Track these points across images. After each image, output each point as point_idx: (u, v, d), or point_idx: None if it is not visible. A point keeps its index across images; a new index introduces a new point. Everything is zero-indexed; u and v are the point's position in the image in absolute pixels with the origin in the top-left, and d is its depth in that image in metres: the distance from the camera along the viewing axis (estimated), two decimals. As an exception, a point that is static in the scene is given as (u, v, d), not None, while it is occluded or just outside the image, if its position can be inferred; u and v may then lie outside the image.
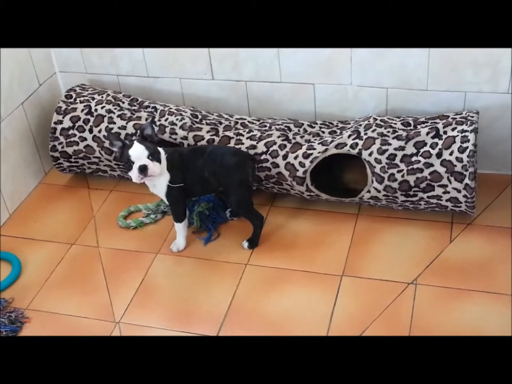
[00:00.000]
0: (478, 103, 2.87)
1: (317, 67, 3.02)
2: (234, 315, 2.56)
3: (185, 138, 2.98)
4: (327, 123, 3.01)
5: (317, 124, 3.00)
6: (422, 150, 2.69)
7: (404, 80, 2.94)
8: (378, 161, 2.72)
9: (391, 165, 2.71)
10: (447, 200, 2.72)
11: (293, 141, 2.89)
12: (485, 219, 2.82)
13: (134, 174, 2.62)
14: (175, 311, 2.61)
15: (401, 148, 2.71)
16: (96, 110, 3.11)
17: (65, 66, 3.42)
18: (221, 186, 2.78)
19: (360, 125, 2.83)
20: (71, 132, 3.12)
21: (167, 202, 2.81)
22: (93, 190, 3.27)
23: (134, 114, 3.09)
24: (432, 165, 2.67)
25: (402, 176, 2.70)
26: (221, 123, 3.03)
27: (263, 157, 2.87)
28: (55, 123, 3.14)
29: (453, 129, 2.69)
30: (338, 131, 2.92)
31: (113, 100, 3.14)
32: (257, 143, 2.90)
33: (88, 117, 3.10)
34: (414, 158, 2.69)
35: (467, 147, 2.63)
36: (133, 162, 2.60)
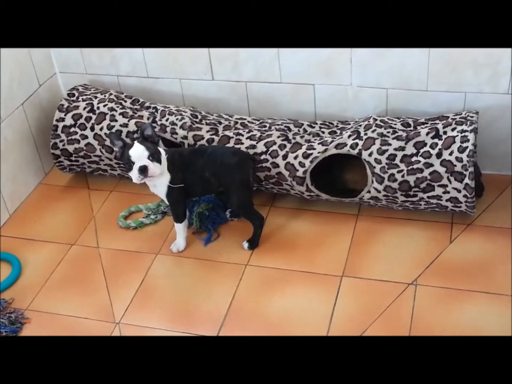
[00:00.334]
0: (478, 104, 2.87)
1: (317, 67, 3.02)
2: (234, 315, 2.56)
3: (185, 137, 2.98)
4: (327, 123, 3.01)
5: (316, 124, 3.00)
6: (422, 150, 2.69)
7: (404, 81, 2.94)
8: (378, 161, 2.72)
9: (391, 165, 2.71)
10: (447, 200, 2.72)
11: (293, 141, 2.89)
12: (485, 219, 2.82)
13: (134, 175, 2.62)
14: (175, 312, 2.61)
15: (401, 148, 2.72)
16: (98, 108, 3.11)
17: (65, 66, 3.42)
18: (221, 187, 2.78)
19: (360, 125, 2.83)
20: (72, 129, 3.12)
21: (167, 203, 2.81)
22: (93, 191, 3.27)
23: (136, 113, 3.09)
24: (432, 165, 2.67)
25: (402, 176, 2.70)
26: (220, 123, 3.03)
27: (263, 157, 2.87)
28: (56, 120, 3.14)
29: (452, 129, 2.69)
30: (338, 131, 2.92)
31: (115, 99, 3.14)
32: (257, 143, 2.90)
33: (90, 114, 3.11)
34: (414, 158, 2.69)
35: (467, 147, 2.63)
36: (133, 163, 2.60)
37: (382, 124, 2.80)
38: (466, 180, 2.63)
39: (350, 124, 2.95)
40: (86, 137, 3.10)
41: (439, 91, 2.91)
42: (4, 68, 3.06)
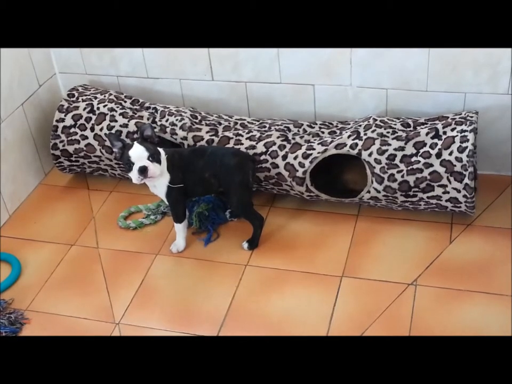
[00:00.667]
0: (478, 104, 2.87)
1: (317, 68, 3.02)
2: (234, 316, 2.56)
3: (185, 138, 2.98)
4: (326, 123, 3.01)
5: (316, 124, 3.01)
6: (421, 150, 2.69)
7: (404, 81, 2.94)
8: (378, 161, 2.73)
9: (391, 165, 2.71)
10: (446, 201, 2.72)
11: (293, 141, 2.89)
12: (484, 220, 2.82)
13: (134, 175, 2.62)
14: (175, 312, 2.61)
15: (401, 148, 2.72)
16: (98, 108, 3.11)
17: (65, 67, 3.42)
18: (221, 187, 2.78)
19: (360, 126, 2.83)
20: (72, 130, 3.12)
21: (167, 203, 2.81)
22: (92, 191, 3.27)
23: (135, 114, 3.09)
24: (431, 165, 2.67)
25: (402, 176, 2.70)
26: (220, 123, 3.03)
27: (263, 157, 2.87)
28: (56, 121, 3.14)
29: (452, 130, 2.69)
30: (338, 131, 2.92)
31: (115, 99, 3.14)
32: (256, 143, 2.90)
33: (90, 115, 3.11)
34: (413, 158, 2.69)
35: (466, 147, 2.63)
36: (133, 163, 2.60)
37: (381, 124, 2.80)
38: (466, 180, 2.63)
39: (349, 124, 2.95)
40: (86, 137, 3.10)
41: (439, 91, 2.91)
42: (4, 68, 3.06)
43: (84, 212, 3.15)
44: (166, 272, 2.79)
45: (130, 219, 3.06)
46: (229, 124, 3.04)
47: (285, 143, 2.88)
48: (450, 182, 2.66)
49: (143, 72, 3.30)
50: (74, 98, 3.18)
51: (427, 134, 2.71)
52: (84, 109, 3.12)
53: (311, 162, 2.81)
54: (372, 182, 2.76)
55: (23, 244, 3.00)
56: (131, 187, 3.09)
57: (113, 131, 3.04)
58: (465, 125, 2.68)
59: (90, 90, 3.23)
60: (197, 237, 2.93)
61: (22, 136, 3.22)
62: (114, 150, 2.68)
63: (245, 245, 2.83)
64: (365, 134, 2.77)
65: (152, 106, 3.14)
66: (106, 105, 3.11)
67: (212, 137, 2.96)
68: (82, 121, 3.11)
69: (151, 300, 2.67)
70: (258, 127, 2.99)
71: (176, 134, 3.00)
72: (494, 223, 2.80)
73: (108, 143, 3.04)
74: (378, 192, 2.76)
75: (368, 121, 2.83)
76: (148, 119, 3.05)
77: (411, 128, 2.78)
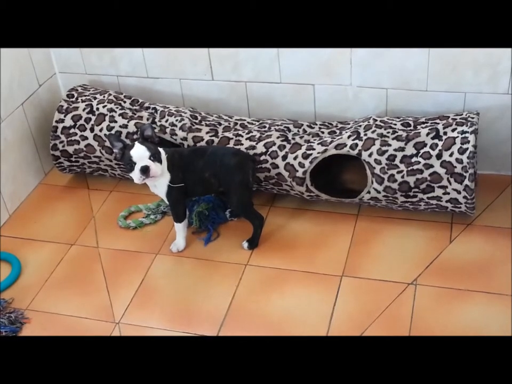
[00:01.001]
0: (478, 104, 2.87)
1: (317, 68, 3.02)
2: (234, 315, 2.56)
3: (185, 139, 2.98)
4: (326, 123, 3.01)
5: (316, 124, 3.00)
6: (422, 151, 2.69)
7: (404, 81, 2.94)
8: (378, 162, 2.72)
9: (391, 165, 2.71)
10: (447, 201, 2.72)
11: (292, 141, 2.89)
12: (484, 219, 2.82)
13: (135, 175, 2.62)
14: (175, 312, 2.61)
15: (401, 149, 2.71)
16: (97, 109, 3.11)
17: (65, 67, 3.42)
18: (222, 187, 2.78)
19: (360, 126, 2.83)
20: (72, 130, 3.12)
21: (167, 202, 2.81)
22: (92, 191, 3.27)
23: (135, 114, 3.09)
24: (432, 166, 2.67)
25: (402, 177, 2.70)
26: (220, 124, 3.03)
27: (263, 157, 2.87)
28: (56, 121, 3.14)
29: (453, 130, 2.69)
30: (338, 131, 2.92)
31: (115, 100, 3.14)
32: (256, 143, 2.90)
33: (90, 115, 3.11)
34: (414, 159, 2.69)
35: (467, 148, 2.63)
36: (135, 163, 2.60)
37: (382, 124, 2.80)
38: (466, 181, 2.63)
39: (349, 124, 2.95)
40: (86, 138, 3.10)
41: (439, 91, 2.91)
42: (4, 67, 3.06)
43: (84, 211, 3.15)
44: (166, 272, 2.79)
45: (130, 219, 3.06)
46: (229, 124, 3.04)
47: (284, 143, 2.88)
48: (450, 183, 2.66)
49: (143, 72, 3.30)
50: (73, 99, 3.17)
51: (427, 134, 2.71)
52: (84, 110, 3.12)
53: (311, 162, 2.80)
54: (372, 183, 2.76)
55: (23, 243, 3.00)
56: (131, 187, 3.09)
57: (112, 132, 3.04)
58: (466, 126, 2.68)
59: (89, 91, 3.23)
60: (197, 236, 2.93)
61: (22, 136, 3.22)
62: (114, 150, 2.68)
63: (245, 244, 2.83)
64: (365, 135, 2.77)
65: (152, 106, 3.14)
66: (105, 105, 3.11)
67: (212, 137, 2.96)
68: (82, 121, 3.11)
69: (151, 299, 2.67)
70: (258, 128, 2.99)
71: (176, 135, 3.00)
72: (494, 222, 2.80)
73: (107, 143, 3.04)
74: (379, 192, 2.76)
75: (368, 122, 2.83)
76: (148, 119, 3.05)
77: (411, 128, 2.78)
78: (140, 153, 2.60)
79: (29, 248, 2.97)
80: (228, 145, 2.92)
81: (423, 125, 2.78)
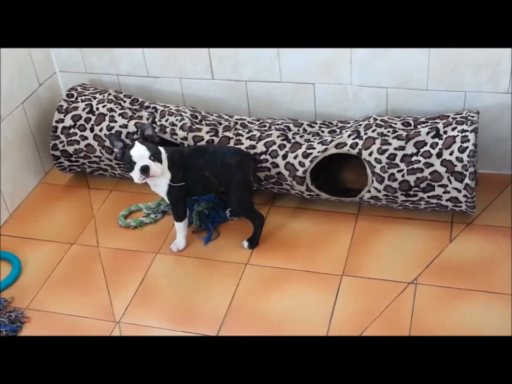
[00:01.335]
0: (478, 103, 2.87)
1: (317, 67, 3.02)
2: (234, 315, 2.56)
3: (185, 138, 2.98)
4: (326, 123, 3.01)
5: (316, 123, 3.00)
6: (422, 150, 2.69)
7: (404, 80, 2.93)
8: (378, 161, 2.72)
9: (391, 164, 2.71)
10: (447, 200, 2.72)
11: (293, 140, 2.89)
12: (485, 219, 2.82)
13: (135, 175, 2.62)
14: (175, 311, 2.61)
15: (401, 148, 2.72)
16: (97, 108, 3.11)
17: (65, 66, 3.42)
18: (222, 186, 2.78)
19: (360, 125, 2.83)
20: (72, 130, 3.12)
21: (167, 201, 2.81)
22: (93, 190, 3.27)
23: (135, 114, 3.09)
24: (432, 165, 2.67)
25: (403, 176, 2.70)
26: (220, 123, 3.03)
27: (263, 157, 2.87)
28: (56, 121, 3.14)
29: (453, 129, 2.69)
30: (338, 131, 2.92)
31: (114, 99, 3.14)
32: (256, 143, 2.90)
33: (90, 115, 3.11)
34: (414, 158, 2.69)
35: (467, 147, 2.63)
36: (135, 163, 2.61)
37: (382, 124, 2.80)
38: (467, 180, 2.63)
39: (350, 124, 2.95)
40: (86, 138, 3.10)
41: (439, 90, 2.91)
42: (4, 67, 3.06)
43: (84, 210, 3.15)
44: (166, 271, 2.79)
45: (130, 218, 3.06)
46: (229, 123, 3.04)
47: (285, 142, 2.88)
48: (450, 182, 2.66)
49: (143, 71, 3.30)
50: (73, 99, 3.17)
51: (428, 133, 2.71)
52: (83, 109, 3.12)
53: (311, 161, 2.80)
54: (372, 182, 2.76)
55: (23, 242, 3.00)
56: (131, 186, 3.09)
57: (112, 132, 3.04)
58: (466, 124, 2.68)
59: (89, 90, 3.23)
60: (197, 235, 2.93)
61: (22, 135, 3.22)
62: (115, 150, 2.69)
63: (245, 243, 2.83)
64: (365, 134, 2.77)
65: (152, 105, 3.14)
66: (105, 105, 3.11)
67: (212, 137, 2.96)
68: (81, 121, 3.11)
69: (151, 298, 2.67)
70: (258, 127, 2.99)
71: (176, 134, 3.00)
72: (494, 222, 2.80)
73: (107, 143, 3.04)
74: (379, 191, 2.76)
75: (369, 121, 2.83)
76: (148, 119, 3.05)
77: (411, 127, 2.78)
78: (140, 152, 2.60)
79: (29, 248, 2.97)
80: (228, 145, 2.92)
81: (423, 125, 2.78)
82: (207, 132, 2.98)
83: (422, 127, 2.76)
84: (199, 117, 3.05)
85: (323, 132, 2.94)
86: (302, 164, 2.81)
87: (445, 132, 2.69)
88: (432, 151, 2.68)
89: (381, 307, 2.51)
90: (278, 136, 2.90)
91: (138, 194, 3.15)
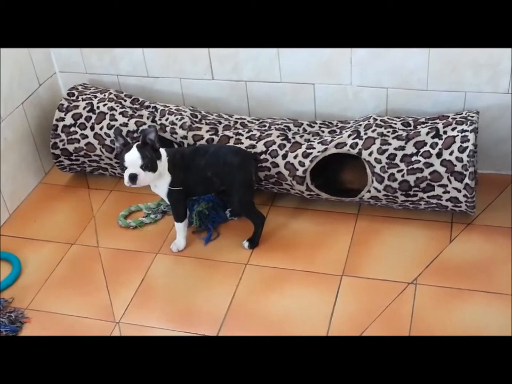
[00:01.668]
0: (478, 103, 2.87)
1: (317, 67, 3.02)
2: (234, 315, 2.56)
3: (185, 137, 2.98)
4: (326, 123, 3.01)
5: (316, 123, 3.00)
6: (422, 150, 2.69)
7: (404, 80, 2.93)
8: (378, 161, 2.73)
9: (391, 164, 2.71)
10: (447, 200, 2.72)
11: (292, 140, 2.89)
12: (485, 219, 2.82)
13: (125, 179, 2.63)
14: (175, 311, 2.61)
15: (401, 148, 2.72)
16: (98, 107, 3.11)
17: (65, 66, 3.42)
18: (223, 186, 2.78)
19: (360, 125, 2.83)
20: (72, 129, 3.12)
21: (168, 202, 2.81)
22: (93, 190, 3.27)
23: (135, 113, 3.09)
24: (432, 165, 2.67)
25: (402, 176, 2.70)
26: (220, 123, 3.03)
27: (263, 156, 2.87)
28: (56, 120, 3.14)
29: (453, 129, 2.69)
30: (338, 131, 2.92)
31: (115, 98, 3.14)
32: (256, 142, 2.90)
33: (90, 114, 3.11)
34: (414, 158, 2.69)
35: (467, 147, 2.63)
36: (126, 168, 2.60)
37: (382, 124, 2.80)
38: (467, 180, 2.63)
39: (350, 124, 2.95)
40: (86, 136, 3.10)
41: (439, 90, 2.91)
42: (4, 67, 3.06)
43: (84, 211, 3.15)
44: (166, 271, 2.79)
45: (130, 218, 3.06)
46: (229, 123, 3.04)
47: (285, 142, 2.88)
48: (450, 182, 2.66)
49: (143, 71, 3.30)
50: (74, 98, 3.18)
51: (427, 133, 2.71)
52: (84, 108, 3.13)
53: (311, 161, 2.81)
54: (372, 182, 2.76)
55: (23, 243, 3.00)
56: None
57: (113, 131, 3.04)
58: (466, 124, 2.68)
59: (90, 89, 3.24)
60: (197, 235, 2.93)
61: (22, 135, 3.22)
62: (116, 144, 2.69)
63: (245, 243, 2.83)
64: (365, 134, 2.77)
65: (152, 105, 3.14)
66: (106, 104, 3.11)
67: (212, 136, 2.96)
68: (82, 120, 3.11)
69: (151, 298, 2.67)
70: (258, 126, 2.99)
71: (176, 133, 3.00)
72: (494, 222, 2.80)
73: (108, 142, 3.04)
74: (379, 191, 2.76)
75: (369, 121, 2.83)
76: (148, 118, 3.05)
77: (411, 128, 2.78)
78: (132, 159, 2.60)
79: (29, 248, 2.97)
80: (228, 144, 2.92)
81: (423, 125, 2.78)
82: (207, 131, 2.98)
83: (422, 127, 2.76)
84: (199, 116, 3.05)
85: (323, 131, 2.94)
86: (302, 164, 2.81)
87: (445, 132, 2.69)
88: (432, 151, 2.68)
89: (381, 307, 2.51)
90: (278, 136, 2.90)
91: (138, 195, 3.15)
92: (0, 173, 3.06)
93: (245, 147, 2.89)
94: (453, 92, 2.89)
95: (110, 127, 3.06)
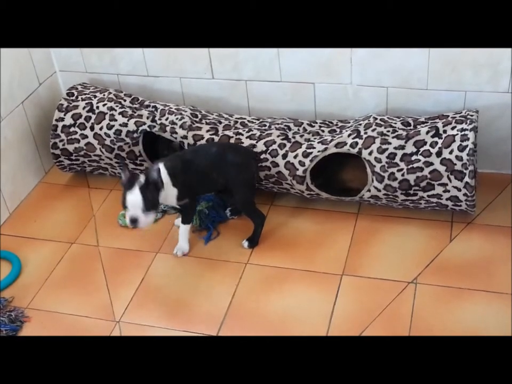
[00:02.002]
0: (478, 103, 2.87)
1: (317, 67, 3.02)
2: (234, 314, 2.56)
3: (185, 137, 2.98)
4: (326, 122, 3.01)
5: (316, 123, 3.00)
6: (422, 149, 2.69)
7: (404, 80, 2.93)
8: (378, 160, 2.73)
9: (391, 164, 2.71)
10: (447, 199, 2.72)
11: (293, 140, 2.89)
12: (485, 218, 2.82)
13: (127, 219, 2.60)
14: (175, 310, 2.61)
15: (401, 147, 2.72)
16: (97, 107, 3.11)
17: (66, 65, 3.41)
18: (226, 185, 2.78)
19: (360, 124, 2.83)
20: (72, 129, 3.12)
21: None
22: (93, 189, 3.27)
23: (135, 112, 3.09)
24: (432, 164, 2.67)
25: (402, 175, 2.70)
26: (220, 122, 3.03)
27: (263, 156, 2.87)
28: (56, 120, 3.14)
29: (452, 128, 2.69)
30: (338, 130, 2.92)
31: (114, 98, 3.14)
32: (256, 142, 2.90)
33: (90, 114, 3.11)
34: (414, 157, 2.69)
35: (467, 145, 2.63)
36: (127, 207, 2.58)
37: (382, 123, 2.80)
38: (466, 179, 2.63)
39: (350, 123, 2.95)
40: (86, 136, 3.10)
41: (439, 90, 2.91)
42: (4, 66, 3.06)
43: (84, 210, 3.15)
44: (166, 271, 2.79)
45: (130, 217, 3.06)
46: (229, 122, 3.04)
47: (285, 141, 2.88)
48: (450, 181, 2.66)
49: (143, 70, 3.30)
50: (73, 97, 3.18)
51: (427, 132, 2.71)
52: (84, 108, 3.13)
53: (311, 161, 2.81)
54: (372, 181, 2.76)
55: (24, 242, 3.00)
56: (131, 185, 3.09)
57: (113, 131, 3.04)
58: (466, 123, 2.68)
59: (89, 89, 3.23)
60: (197, 235, 2.93)
61: (22, 135, 3.22)
62: (121, 176, 2.62)
63: (245, 243, 2.83)
64: (365, 133, 2.77)
65: (152, 104, 3.14)
66: (105, 104, 3.11)
67: (212, 136, 2.96)
68: (82, 120, 3.11)
69: (151, 298, 2.67)
70: (259, 126, 2.99)
71: (176, 133, 3.00)
72: (494, 221, 2.80)
73: (107, 142, 3.05)
74: (379, 191, 2.76)
75: (369, 120, 2.83)
76: (148, 117, 3.05)
77: (411, 127, 2.78)
78: (134, 202, 2.54)
79: (29, 247, 2.97)
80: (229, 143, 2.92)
81: (423, 124, 2.78)
82: (207, 131, 2.98)
83: (422, 126, 2.76)
84: (199, 116, 3.05)
85: (323, 131, 2.94)
86: (302, 163, 2.81)
87: (445, 131, 2.69)
88: (431, 150, 2.68)
89: (381, 307, 2.51)
90: (278, 136, 2.90)
91: (138, 194, 3.15)
92: (0, 172, 3.06)
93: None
94: (453, 91, 2.89)
95: (109, 127, 3.06)
